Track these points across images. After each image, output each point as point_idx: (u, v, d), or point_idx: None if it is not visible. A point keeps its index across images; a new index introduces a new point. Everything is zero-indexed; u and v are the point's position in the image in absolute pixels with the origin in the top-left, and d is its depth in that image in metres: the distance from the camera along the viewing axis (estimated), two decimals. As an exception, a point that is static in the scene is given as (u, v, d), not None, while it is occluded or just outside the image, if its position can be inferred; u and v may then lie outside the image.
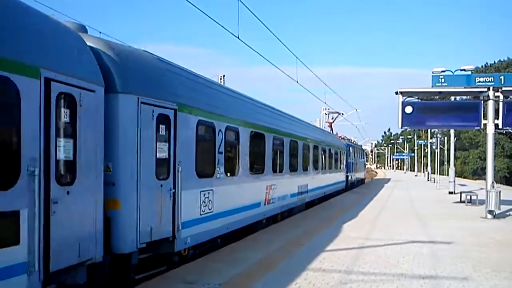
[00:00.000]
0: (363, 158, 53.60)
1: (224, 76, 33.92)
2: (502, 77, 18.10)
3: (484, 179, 19.44)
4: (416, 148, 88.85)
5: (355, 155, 40.28)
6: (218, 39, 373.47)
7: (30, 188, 5.37)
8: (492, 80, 18.03)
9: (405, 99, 18.67)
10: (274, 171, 15.10)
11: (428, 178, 57.34)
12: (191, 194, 9.26)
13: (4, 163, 5.12)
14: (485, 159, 20.61)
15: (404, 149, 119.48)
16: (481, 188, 26.47)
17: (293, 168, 17.54)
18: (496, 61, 79.76)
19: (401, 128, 19.83)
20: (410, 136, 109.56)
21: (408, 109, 18.49)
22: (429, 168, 59.61)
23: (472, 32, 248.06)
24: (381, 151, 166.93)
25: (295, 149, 17.93)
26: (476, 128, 20.14)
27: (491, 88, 17.94)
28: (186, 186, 8.88)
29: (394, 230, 14.27)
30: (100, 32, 12.86)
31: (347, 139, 41.65)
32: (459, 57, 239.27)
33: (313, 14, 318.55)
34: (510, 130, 48.64)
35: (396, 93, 18.66)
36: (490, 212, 17.70)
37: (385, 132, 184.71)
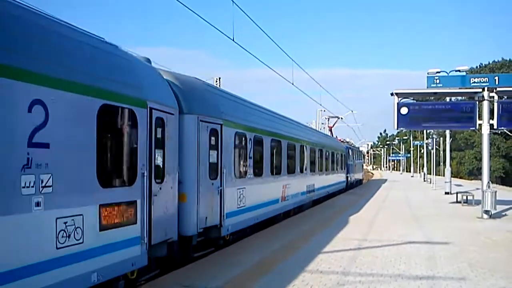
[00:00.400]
0: (361, 159, 56.24)
1: (220, 78, 33.88)
2: (496, 78, 18.17)
3: (480, 179, 19.49)
4: (412, 149, 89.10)
5: (354, 157, 42.48)
6: (213, 42, 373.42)
7: (142, 185, 7.55)
8: (487, 80, 18.10)
9: (400, 100, 18.71)
10: (288, 172, 17.35)
11: (424, 178, 57.50)
12: (231, 191, 11.55)
13: (130, 168, 7.40)
14: (480, 159, 20.67)
15: (400, 150, 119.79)
16: (477, 188, 26.54)
17: (302, 170, 19.95)
18: (490, 62, 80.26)
19: (397, 129, 19.89)
20: (406, 137, 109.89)
21: (404, 110, 18.53)
22: (425, 168, 59.79)
23: (466, 33, 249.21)
24: (377, 152, 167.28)
25: (304, 153, 20.35)
26: (471, 128, 20.22)
27: (485, 88, 18.00)
28: (228, 185, 11.18)
29: (391, 231, 14.28)
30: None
31: (346, 142, 45.24)
32: (454, 58, 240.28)
33: (308, 16, 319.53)
34: (505, 130, 48.86)
35: (392, 94, 18.70)
36: (486, 212, 17.75)
37: (381, 133, 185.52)
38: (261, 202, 14.02)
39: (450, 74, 21.85)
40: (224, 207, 10.90)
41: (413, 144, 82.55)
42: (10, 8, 5.60)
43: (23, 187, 5.20)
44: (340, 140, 41.59)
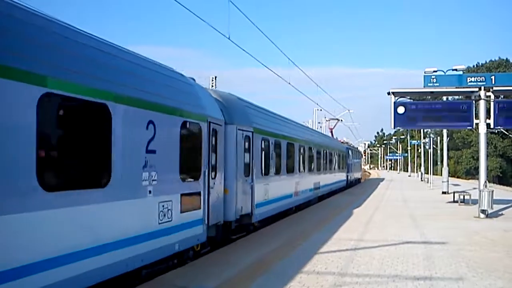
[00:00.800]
0: (359, 159, 58.90)
1: (215, 77, 33.82)
2: (493, 77, 18.18)
3: (477, 178, 19.48)
4: (409, 148, 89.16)
5: (353, 157, 44.98)
6: (209, 41, 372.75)
7: (204, 180, 10.09)
8: (484, 80, 18.10)
9: (397, 99, 18.68)
10: (299, 171, 19.90)
11: (421, 178, 57.57)
12: (259, 186, 14.02)
13: (197, 167, 9.90)
14: (477, 159, 20.66)
15: (397, 150, 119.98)
16: (474, 188, 26.55)
17: (311, 169, 22.51)
18: (487, 61, 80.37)
19: (394, 128, 19.87)
20: (403, 137, 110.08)
21: (401, 110, 18.50)
22: (422, 168, 59.85)
23: (463, 32, 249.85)
24: (374, 151, 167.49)
25: (311, 154, 22.87)
26: (468, 127, 20.20)
27: (482, 88, 18.00)
28: (257, 181, 13.69)
29: (388, 231, 14.24)
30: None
31: (346, 142, 48.45)
32: (450, 57, 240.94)
33: (304, 15, 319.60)
34: (502, 130, 48.98)
35: (388, 93, 18.67)
36: (483, 211, 17.73)
37: (378, 133, 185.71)
38: (279, 196, 16.59)
39: (447, 73, 21.81)
40: (254, 199, 13.48)
41: (410, 143, 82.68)
42: (140, 60, 8.54)
43: (143, 181, 7.76)
44: (340, 141, 44.78)
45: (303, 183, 20.57)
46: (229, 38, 13.88)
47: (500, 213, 19.33)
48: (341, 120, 55.84)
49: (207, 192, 10.26)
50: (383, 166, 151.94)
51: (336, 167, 31.97)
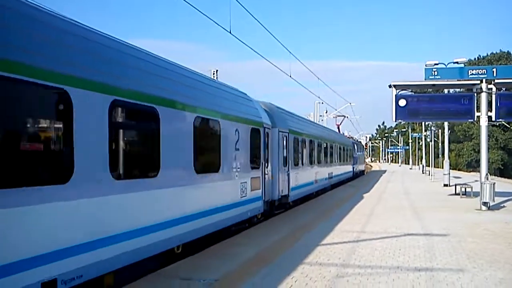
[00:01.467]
0: (363, 152, 63.39)
1: (217, 71, 33.77)
2: (494, 70, 18.14)
3: (478, 171, 19.52)
4: (410, 141, 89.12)
5: (358, 150, 49.39)
6: (210, 34, 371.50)
7: (262, 168, 14.01)
8: (485, 72, 18.08)
9: (398, 92, 18.69)
10: (318, 163, 24.25)
11: (422, 171, 57.60)
12: (293, 174, 18.07)
13: (258, 159, 13.69)
14: (479, 151, 20.71)
15: (398, 142, 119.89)
16: (476, 180, 26.63)
17: (325, 161, 26.82)
18: (488, 54, 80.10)
19: (395, 121, 19.88)
20: (404, 129, 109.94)
21: (402, 102, 18.52)
22: (423, 160, 59.87)
23: (465, 24, 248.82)
24: (375, 144, 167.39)
25: (326, 149, 27.23)
26: (469, 120, 20.20)
27: (484, 80, 17.99)
28: (291, 170, 17.79)
29: (390, 223, 14.32)
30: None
31: (351, 137, 54.45)
32: (452, 50, 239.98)
33: (305, 8, 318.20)
34: (503, 122, 48.97)
35: (390, 86, 18.68)
36: (485, 204, 17.79)
37: (379, 126, 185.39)
38: (305, 183, 20.81)
39: (448, 66, 21.84)
40: (290, 184, 17.44)
41: (412, 136, 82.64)
42: (228, 89, 13.02)
43: (233, 168, 11.81)
44: (347, 136, 50.69)
45: (321, 173, 24.90)
46: (230, 32, 13.88)
47: (502, 205, 19.39)
48: (347, 117, 60.41)
49: (264, 178, 14.38)
50: (385, 159, 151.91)
51: (345, 160, 36.51)
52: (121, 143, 7.61)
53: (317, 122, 42.82)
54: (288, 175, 17.31)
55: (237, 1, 13.51)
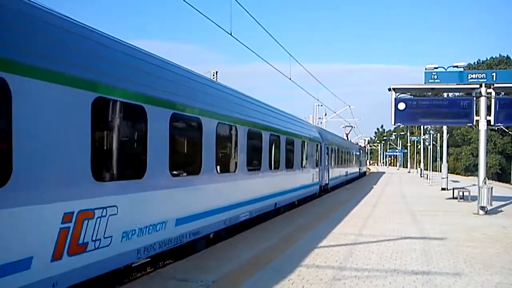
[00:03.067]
0: (365, 155, 78.51)
1: (216, 72, 33.79)
2: (494, 74, 18.18)
3: (477, 175, 19.53)
4: (409, 144, 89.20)
5: (362, 154, 61.12)
6: (209, 36, 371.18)
7: (319, 167, 24.94)
8: (484, 76, 18.11)
9: (398, 95, 18.71)
10: (340, 164, 34.37)
11: (421, 174, 57.65)
12: (330, 171, 28.52)
13: (317, 162, 24.44)
14: (477, 156, 20.71)
15: (397, 146, 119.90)
16: (474, 185, 26.63)
17: (344, 163, 36.85)
18: (488, 58, 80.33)
19: (394, 124, 19.90)
20: (403, 133, 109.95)
21: (401, 106, 18.54)
22: (422, 164, 59.91)
23: (464, 28, 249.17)
24: (374, 147, 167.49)
25: (344, 154, 36.66)
26: (468, 124, 20.22)
27: (483, 84, 18.02)
28: (330, 169, 28.56)
29: (387, 226, 14.33)
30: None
31: (358, 144, 68.23)
32: (451, 53, 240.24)
33: (304, 11, 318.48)
34: (502, 127, 48.94)
35: (389, 89, 18.70)
36: (482, 208, 17.81)
37: (378, 129, 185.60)
38: (335, 176, 31.66)
39: (447, 70, 21.80)
40: (329, 177, 27.69)
41: (410, 139, 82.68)
42: (297, 119, 21.87)
43: (309, 166, 22.31)
44: (355, 143, 63.86)
45: (342, 171, 36.07)
46: (231, 34, 13.89)
47: (499, 209, 19.41)
48: (354, 127, 69.31)
49: (318, 172, 24.16)
50: (383, 162, 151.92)
51: (354, 162, 46.71)
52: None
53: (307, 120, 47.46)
54: (328, 171, 27.73)
55: (239, 3, 13.54)
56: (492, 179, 53.69)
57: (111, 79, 7.02)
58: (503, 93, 19.06)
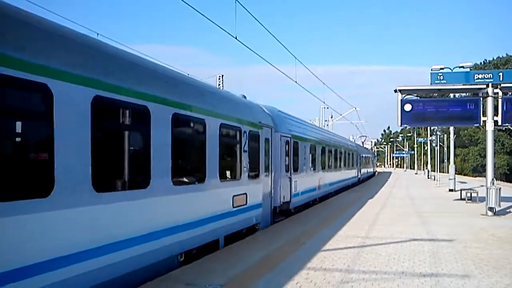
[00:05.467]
0: (375, 158, 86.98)
1: (222, 76, 33.88)
2: (501, 74, 18.08)
3: (484, 176, 19.42)
4: (416, 146, 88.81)
5: (373, 157, 73.10)
6: (213, 39, 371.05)
7: (355, 167, 41.56)
8: (491, 76, 18.02)
9: (404, 97, 18.66)
10: (360, 165, 44.68)
11: (428, 175, 57.38)
12: (361, 171, 47.77)
13: (355, 163, 41.10)
14: (485, 156, 20.61)
15: (403, 147, 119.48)
16: (481, 185, 26.50)
17: (367, 165, 51.73)
18: (494, 58, 79.84)
19: (401, 126, 19.83)
20: (409, 134, 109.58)
21: (407, 107, 18.49)
22: (429, 165, 59.65)
23: (470, 29, 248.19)
24: (380, 149, 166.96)
25: (361, 158, 44.53)
26: (475, 125, 20.13)
27: (490, 84, 17.93)
28: (361, 169, 47.32)
29: (395, 228, 14.26)
30: (97, 34, 12.80)
31: (366, 148, 73.01)
32: (457, 54, 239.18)
33: (309, 13, 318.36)
34: (509, 127, 48.64)
35: (395, 91, 18.65)
36: (491, 209, 17.69)
37: (384, 130, 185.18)
38: (366, 174, 52.54)
39: (454, 71, 21.71)
40: (361, 174, 46.00)
41: (417, 141, 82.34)
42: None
43: (353, 166, 39.13)
44: (368, 148, 76.92)
45: (362, 171, 46.83)
46: (236, 38, 13.92)
47: (508, 210, 19.27)
48: (367, 136, 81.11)
49: (357, 171, 40.11)
50: (390, 164, 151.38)
51: (368, 164, 57.95)
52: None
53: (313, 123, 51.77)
54: (360, 171, 43.21)
55: (244, 7, 13.56)
56: (500, 180, 53.35)
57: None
58: (510, 93, 18.93)
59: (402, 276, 8.38)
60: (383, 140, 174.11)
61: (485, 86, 18.02)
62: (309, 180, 20.92)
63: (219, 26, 13.23)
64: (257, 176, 13.24)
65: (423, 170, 74.34)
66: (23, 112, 5.69)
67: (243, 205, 11.97)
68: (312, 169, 21.60)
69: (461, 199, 24.33)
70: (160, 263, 8.22)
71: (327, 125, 59.04)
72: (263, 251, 10.47)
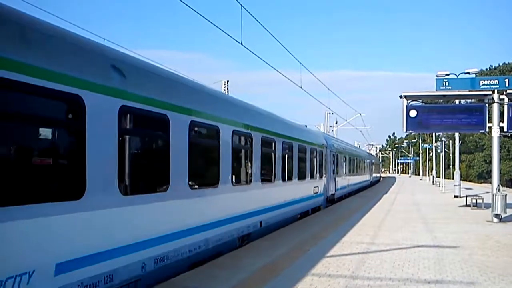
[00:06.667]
0: (381, 164, 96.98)
1: (227, 81, 33.94)
2: (506, 80, 18.02)
3: (490, 182, 19.33)
4: (421, 152, 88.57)
5: (380, 164, 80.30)
6: (218, 44, 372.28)
7: (367, 173, 49.54)
8: (497, 83, 17.97)
9: (409, 103, 18.64)
10: (372, 171, 55.94)
11: (433, 182, 57.17)
12: (374, 175, 60.74)
13: (369, 170, 52.09)
14: (490, 162, 20.53)
15: (409, 153, 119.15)
16: (487, 192, 26.32)
17: (377, 171, 66.28)
18: (500, 64, 79.61)
19: (406, 132, 19.82)
20: (415, 140, 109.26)
21: (413, 113, 18.46)
22: (434, 171, 59.44)
23: (476, 35, 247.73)
24: (385, 155, 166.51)
25: (372, 164, 54.75)
26: (481, 131, 20.06)
27: (495, 91, 17.88)
28: (373, 174, 61.13)
29: (400, 234, 14.21)
30: (104, 39, 12.90)
31: (374, 156, 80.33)
32: (463, 60, 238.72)
33: (314, 19, 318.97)
34: (515, 133, 48.47)
35: (401, 97, 18.63)
36: (496, 215, 17.60)
37: (389, 136, 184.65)
38: (377, 177, 65.30)
39: (459, 77, 21.74)
40: (372, 176, 57.29)
41: (422, 147, 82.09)
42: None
43: (372, 173, 55.90)
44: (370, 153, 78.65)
45: (376, 174, 60.92)
46: (241, 44, 13.98)
47: (513, 217, 19.15)
48: (373, 144, 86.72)
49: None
50: (395, 170, 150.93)
51: (378, 170, 67.04)
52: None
53: (318, 128, 54.16)
54: (371, 175, 53.03)
55: (250, 13, 13.64)
56: (506, 186, 52.96)
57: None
58: (516, 100, 18.86)
59: (406, 282, 8.35)
60: (388, 146, 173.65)
61: (490, 92, 17.97)
62: (344, 181, 30.14)
63: (225, 32, 13.32)
64: (321, 176, 21.84)
65: (428, 176, 74.08)
66: (61, 121, 6.16)
67: (317, 192, 20.85)
68: (344, 173, 30.49)
69: (467, 205, 24.22)
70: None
71: (332, 130, 59.03)
72: (268, 257, 10.47)
